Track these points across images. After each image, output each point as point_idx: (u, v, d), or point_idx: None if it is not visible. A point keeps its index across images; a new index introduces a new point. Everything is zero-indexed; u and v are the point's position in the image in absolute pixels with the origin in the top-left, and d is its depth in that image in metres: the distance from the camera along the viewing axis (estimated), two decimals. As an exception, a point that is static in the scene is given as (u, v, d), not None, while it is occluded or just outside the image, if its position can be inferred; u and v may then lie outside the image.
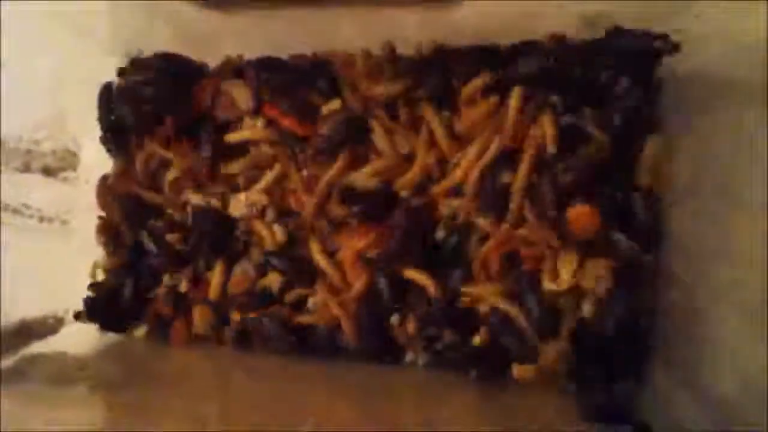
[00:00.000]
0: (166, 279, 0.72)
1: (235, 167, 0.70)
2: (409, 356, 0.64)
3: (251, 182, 0.69)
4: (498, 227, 0.60)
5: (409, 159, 0.65)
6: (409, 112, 0.64)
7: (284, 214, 0.69)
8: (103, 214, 0.76)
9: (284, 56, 0.71)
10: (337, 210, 0.64)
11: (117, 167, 0.76)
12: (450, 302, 0.62)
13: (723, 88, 0.49)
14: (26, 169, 0.69)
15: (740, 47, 0.46)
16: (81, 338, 0.73)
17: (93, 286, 0.74)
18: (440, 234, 0.64)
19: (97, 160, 0.76)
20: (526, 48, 0.61)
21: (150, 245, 0.73)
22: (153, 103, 0.72)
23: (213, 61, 0.74)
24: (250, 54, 0.72)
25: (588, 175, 0.57)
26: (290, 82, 0.68)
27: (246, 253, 0.70)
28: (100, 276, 0.76)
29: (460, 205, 0.62)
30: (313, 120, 0.66)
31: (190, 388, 0.58)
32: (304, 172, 0.67)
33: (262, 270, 0.69)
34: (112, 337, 0.74)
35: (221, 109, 0.70)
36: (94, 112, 0.75)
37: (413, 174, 0.63)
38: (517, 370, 0.58)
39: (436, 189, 0.63)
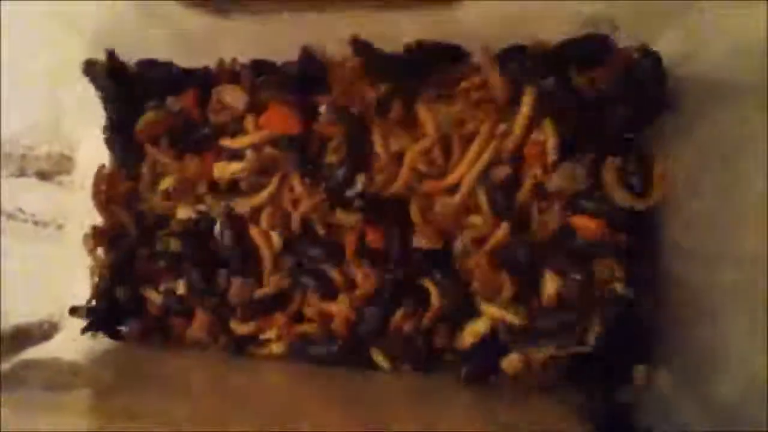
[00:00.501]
0: (166, 283, 0.71)
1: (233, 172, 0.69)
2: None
3: (253, 189, 0.68)
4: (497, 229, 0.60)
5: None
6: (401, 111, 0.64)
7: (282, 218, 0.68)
8: (98, 219, 0.76)
9: (279, 60, 0.70)
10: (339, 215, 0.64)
11: (114, 166, 0.75)
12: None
13: (724, 88, 0.48)
14: (21, 173, 0.68)
15: (741, 47, 0.45)
16: (75, 343, 0.72)
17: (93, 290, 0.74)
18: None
19: (93, 164, 0.75)
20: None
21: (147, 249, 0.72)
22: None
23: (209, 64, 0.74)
24: (245, 57, 0.72)
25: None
26: (287, 82, 0.68)
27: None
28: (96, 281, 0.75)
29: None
30: (314, 119, 0.66)
31: (186, 393, 0.57)
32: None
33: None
34: (105, 342, 0.73)
35: (213, 114, 0.69)
36: (89, 115, 0.75)
37: (405, 174, 0.63)
38: (507, 363, 0.58)
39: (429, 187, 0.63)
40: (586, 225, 0.58)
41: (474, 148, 0.61)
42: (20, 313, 0.68)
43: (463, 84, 0.62)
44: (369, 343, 0.63)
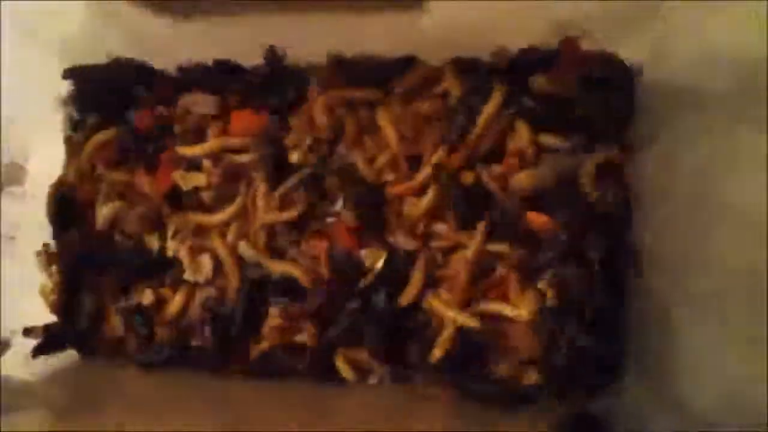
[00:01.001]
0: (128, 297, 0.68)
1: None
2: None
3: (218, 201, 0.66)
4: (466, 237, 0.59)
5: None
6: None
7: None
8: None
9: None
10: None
11: (73, 174, 0.72)
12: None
13: (693, 94, 0.48)
14: (-33, 183, 0.65)
15: (709, 53, 0.45)
16: (26, 362, 0.69)
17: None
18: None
19: (46, 174, 0.72)
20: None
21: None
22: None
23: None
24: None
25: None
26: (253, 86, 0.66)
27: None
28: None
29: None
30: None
31: (146, 412, 0.55)
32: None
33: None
34: (59, 359, 0.70)
35: (178, 122, 0.67)
36: (43, 121, 0.72)
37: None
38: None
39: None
40: (537, 219, 0.58)
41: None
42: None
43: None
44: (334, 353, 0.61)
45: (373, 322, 0.59)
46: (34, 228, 0.71)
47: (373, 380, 0.61)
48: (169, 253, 0.67)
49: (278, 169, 0.64)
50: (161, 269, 0.69)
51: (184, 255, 0.66)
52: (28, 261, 0.71)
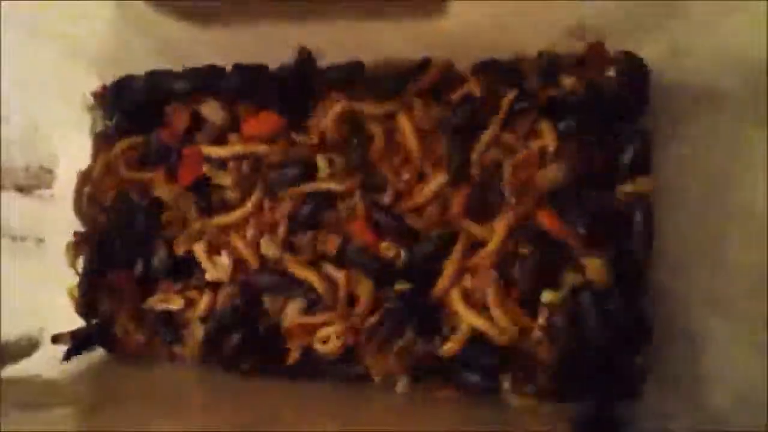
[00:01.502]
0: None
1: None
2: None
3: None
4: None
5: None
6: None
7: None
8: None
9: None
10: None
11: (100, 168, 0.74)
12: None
13: (711, 96, 0.49)
14: (-1, 187, 0.67)
15: (726, 54, 0.46)
16: (56, 360, 0.70)
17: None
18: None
19: (73, 176, 0.74)
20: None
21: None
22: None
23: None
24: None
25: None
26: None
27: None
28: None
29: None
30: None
31: (175, 409, 0.56)
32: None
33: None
34: (86, 358, 0.72)
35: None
36: (71, 126, 0.74)
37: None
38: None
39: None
40: (547, 220, 0.58)
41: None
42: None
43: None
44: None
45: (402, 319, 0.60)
46: (63, 230, 0.73)
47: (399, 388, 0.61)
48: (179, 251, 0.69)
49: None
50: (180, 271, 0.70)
51: (200, 254, 0.67)
52: (57, 262, 0.73)
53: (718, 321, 0.45)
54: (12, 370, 0.66)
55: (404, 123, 0.62)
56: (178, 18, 0.65)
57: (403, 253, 0.62)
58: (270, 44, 0.67)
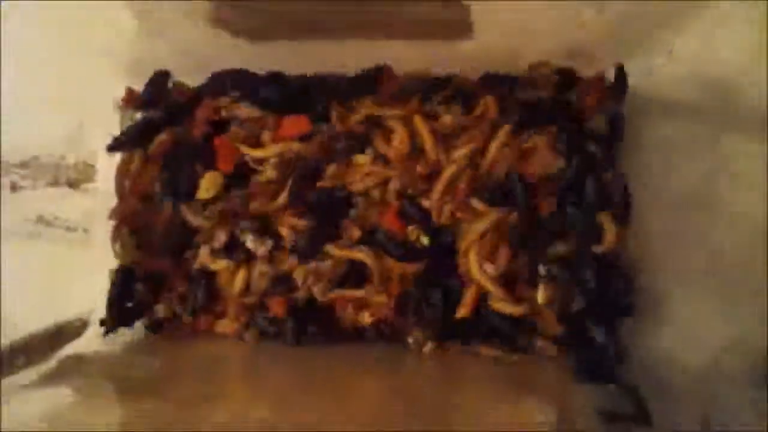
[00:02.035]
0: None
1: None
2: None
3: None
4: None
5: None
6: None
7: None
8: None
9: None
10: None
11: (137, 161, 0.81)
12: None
13: (684, 107, 0.61)
14: (55, 182, 0.73)
15: (710, 79, 0.58)
16: (104, 339, 0.78)
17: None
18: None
19: (112, 171, 0.81)
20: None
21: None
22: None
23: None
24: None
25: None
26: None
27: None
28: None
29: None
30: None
31: (247, 376, 0.65)
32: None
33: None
34: (128, 335, 0.79)
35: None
36: (109, 126, 0.80)
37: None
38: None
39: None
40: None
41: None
42: (55, 312, 0.73)
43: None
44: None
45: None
46: (104, 220, 0.80)
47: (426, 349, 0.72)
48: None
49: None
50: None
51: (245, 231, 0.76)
52: (100, 249, 0.79)
53: (697, 294, 0.57)
54: (74, 348, 0.72)
55: (420, 124, 0.73)
56: (202, 26, 0.72)
57: (423, 238, 0.73)
58: (293, 57, 0.75)
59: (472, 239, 0.71)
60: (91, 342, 0.76)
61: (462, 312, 0.71)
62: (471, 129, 0.72)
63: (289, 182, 0.75)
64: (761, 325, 0.50)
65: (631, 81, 0.69)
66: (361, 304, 0.73)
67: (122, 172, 0.80)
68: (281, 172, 0.75)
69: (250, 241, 0.75)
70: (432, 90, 0.73)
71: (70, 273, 0.76)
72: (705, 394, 0.52)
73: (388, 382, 0.65)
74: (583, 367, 0.66)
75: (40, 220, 0.71)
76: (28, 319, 0.68)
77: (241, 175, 0.78)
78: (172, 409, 0.59)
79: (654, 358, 0.63)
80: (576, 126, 0.70)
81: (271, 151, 0.76)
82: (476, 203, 0.72)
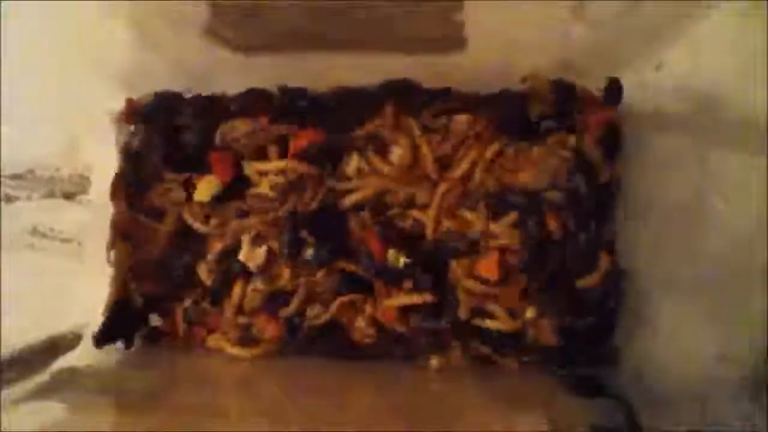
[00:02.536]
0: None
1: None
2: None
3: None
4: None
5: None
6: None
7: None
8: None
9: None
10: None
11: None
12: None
13: (672, 120, 0.62)
14: (50, 194, 0.73)
15: (699, 92, 0.58)
16: (97, 351, 0.77)
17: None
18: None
19: (107, 183, 0.81)
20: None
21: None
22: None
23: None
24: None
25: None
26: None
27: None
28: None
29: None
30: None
31: (237, 388, 0.65)
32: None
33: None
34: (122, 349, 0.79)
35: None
36: (104, 138, 0.81)
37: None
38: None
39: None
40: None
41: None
42: (49, 325, 0.73)
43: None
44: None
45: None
46: (98, 233, 0.80)
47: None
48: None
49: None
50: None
51: (245, 242, 0.76)
52: (95, 261, 0.79)
53: (689, 304, 0.58)
54: (68, 362, 0.72)
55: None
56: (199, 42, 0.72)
57: (402, 259, 0.73)
58: (289, 71, 0.76)
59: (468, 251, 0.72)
60: (84, 355, 0.76)
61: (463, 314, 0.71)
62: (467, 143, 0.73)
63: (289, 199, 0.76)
64: (752, 335, 0.50)
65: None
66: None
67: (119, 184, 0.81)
68: (280, 191, 0.75)
69: (242, 253, 0.75)
70: (429, 102, 0.73)
71: (64, 285, 0.76)
72: (696, 405, 0.52)
73: (384, 397, 0.65)
74: (576, 381, 0.66)
75: (35, 231, 0.71)
76: (21, 331, 0.68)
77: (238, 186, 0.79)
78: (166, 422, 0.59)
79: (645, 370, 0.64)
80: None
81: (273, 166, 0.76)
82: (470, 215, 0.73)
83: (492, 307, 0.71)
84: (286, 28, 0.66)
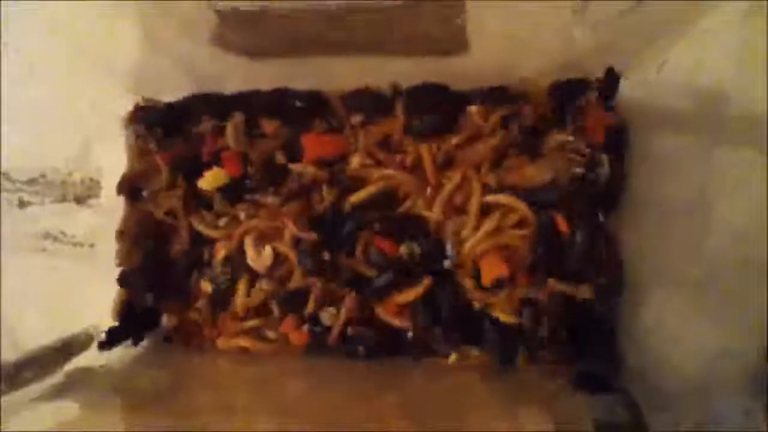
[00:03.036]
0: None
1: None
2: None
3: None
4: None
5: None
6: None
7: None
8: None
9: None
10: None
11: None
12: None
13: (678, 117, 0.62)
14: (63, 198, 0.75)
15: (702, 90, 0.59)
16: (114, 352, 0.79)
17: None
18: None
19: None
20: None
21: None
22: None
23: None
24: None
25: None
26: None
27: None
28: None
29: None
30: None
31: (247, 388, 0.66)
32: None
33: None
34: (140, 349, 0.81)
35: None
36: (114, 142, 0.82)
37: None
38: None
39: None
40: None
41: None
42: (63, 326, 0.75)
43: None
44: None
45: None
46: (110, 236, 0.81)
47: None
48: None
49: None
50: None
51: (248, 245, 0.77)
52: (106, 264, 0.81)
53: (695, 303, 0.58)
54: (81, 361, 0.74)
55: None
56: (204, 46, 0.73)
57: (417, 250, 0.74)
58: (294, 74, 0.77)
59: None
60: (97, 355, 0.77)
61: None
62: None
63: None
64: (755, 333, 0.51)
65: (625, 93, 0.70)
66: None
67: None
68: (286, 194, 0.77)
69: (250, 258, 0.77)
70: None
71: (76, 287, 0.77)
72: (699, 402, 0.52)
73: (388, 396, 0.65)
74: (580, 377, 0.67)
75: (48, 236, 0.73)
76: (35, 333, 0.70)
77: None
78: (178, 421, 0.60)
79: (647, 366, 0.64)
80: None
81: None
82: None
83: (495, 303, 0.72)
84: (291, 31, 0.67)
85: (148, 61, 0.77)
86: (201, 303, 0.79)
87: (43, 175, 0.73)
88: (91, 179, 0.80)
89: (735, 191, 0.55)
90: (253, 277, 0.79)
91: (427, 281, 0.73)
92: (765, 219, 0.49)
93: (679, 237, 0.61)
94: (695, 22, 0.59)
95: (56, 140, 0.75)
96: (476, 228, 0.72)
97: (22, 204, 0.72)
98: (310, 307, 0.75)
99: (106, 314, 0.80)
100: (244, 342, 0.77)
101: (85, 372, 0.71)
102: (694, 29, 0.59)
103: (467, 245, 0.72)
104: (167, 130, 0.83)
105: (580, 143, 0.71)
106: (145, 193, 0.83)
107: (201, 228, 0.80)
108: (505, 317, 0.71)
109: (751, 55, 0.54)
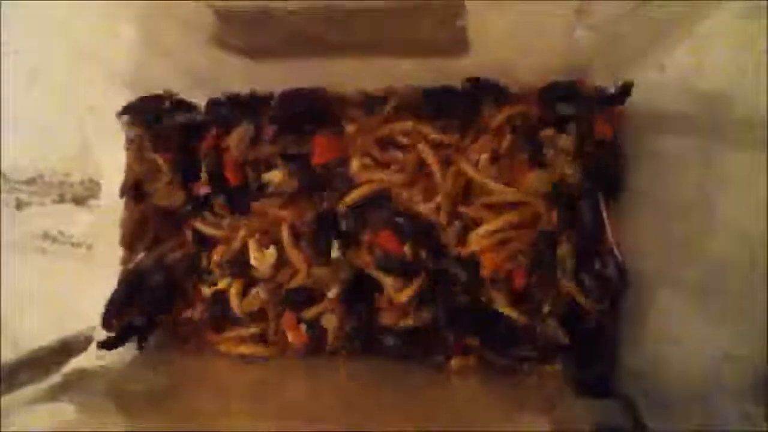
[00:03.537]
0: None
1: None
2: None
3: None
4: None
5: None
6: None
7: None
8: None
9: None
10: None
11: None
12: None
13: (687, 128, 0.62)
14: (61, 199, 0.74)
15: (702, 92, 0.59)
16: (107, 354, 0.78)
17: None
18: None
19: (116, 188, 0.82)
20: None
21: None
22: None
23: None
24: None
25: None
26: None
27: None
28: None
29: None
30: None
31: (244, 392, 0.66)
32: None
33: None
34: (132, 352, 0.80)
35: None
36: (115, 143, 0.82)
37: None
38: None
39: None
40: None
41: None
42: (61, 327, 0.74)
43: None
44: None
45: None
46: (109, 236, 0.81)
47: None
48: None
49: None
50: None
51: (252, 246, 0.77)
52: (105, 265, 0.81)
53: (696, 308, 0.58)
54: (79, 363, 0.73)
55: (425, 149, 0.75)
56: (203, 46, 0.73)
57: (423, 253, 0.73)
58: (295, 76, 0.76)
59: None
60: (95, 357, 0.77)
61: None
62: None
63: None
64: (757, 336, 0.50)
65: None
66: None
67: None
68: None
69: (253, 259, 0.76)
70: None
71: (75, 288, 0.77)
72: (700, 406, 0.52)
73: (387, 398, 0.65)
74: (580, 380, 0.66)
75: (46, 236, 0.73)
76: (32, 334, 0.70)
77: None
78: (176, 423, 0.60)
79: (648, 370, 0.64)
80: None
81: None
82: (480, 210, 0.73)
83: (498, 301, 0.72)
84: (292, 32, 0.67)
85: (148, 61, 0.77)
86: (200, 307, 0.79)
87: (41, 176, 0.73)
88: (90, 180, 0.80)
89: (736, 192, 0.55)
90: (249, 282, 0.79)
91: (425, 278, 0.72)
92: (766, 220, 0.49)
93: (680, 239, 0.60)
94: (696, 23, 0.58)
95: (55, 141, 0.75)
96: (479, 225, 0.72)
97: (21, 204, 0.72)
98: (313, 311, 0.74)
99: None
100: (244, 349, 0.77)
101: (84, 373, 0.70)
102: (695, 31, 0.59)
103: (471, 243, 0.72)
104: (167, 130, 0.83)
105: (582, 147, 0.70)
106: (146, 194, 0.82)
107: (204, 228, 0.80)
108: (508, 311, 0.71)
109: (751, 56, 0.53)
